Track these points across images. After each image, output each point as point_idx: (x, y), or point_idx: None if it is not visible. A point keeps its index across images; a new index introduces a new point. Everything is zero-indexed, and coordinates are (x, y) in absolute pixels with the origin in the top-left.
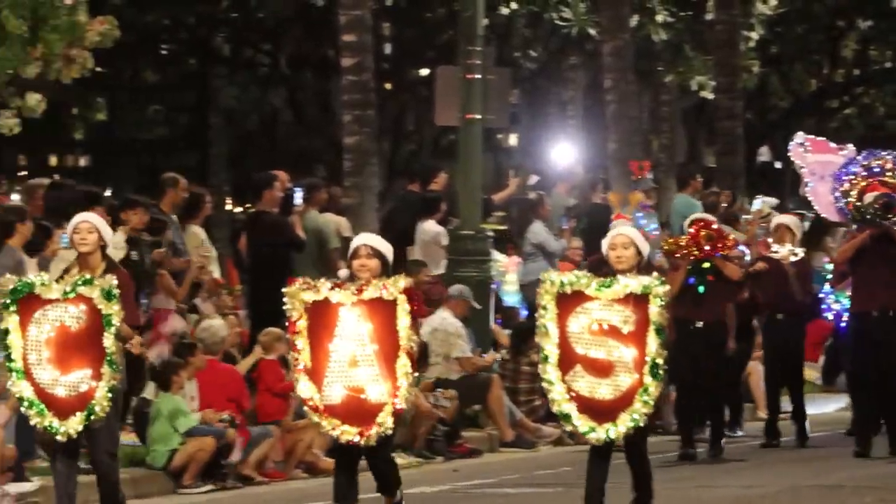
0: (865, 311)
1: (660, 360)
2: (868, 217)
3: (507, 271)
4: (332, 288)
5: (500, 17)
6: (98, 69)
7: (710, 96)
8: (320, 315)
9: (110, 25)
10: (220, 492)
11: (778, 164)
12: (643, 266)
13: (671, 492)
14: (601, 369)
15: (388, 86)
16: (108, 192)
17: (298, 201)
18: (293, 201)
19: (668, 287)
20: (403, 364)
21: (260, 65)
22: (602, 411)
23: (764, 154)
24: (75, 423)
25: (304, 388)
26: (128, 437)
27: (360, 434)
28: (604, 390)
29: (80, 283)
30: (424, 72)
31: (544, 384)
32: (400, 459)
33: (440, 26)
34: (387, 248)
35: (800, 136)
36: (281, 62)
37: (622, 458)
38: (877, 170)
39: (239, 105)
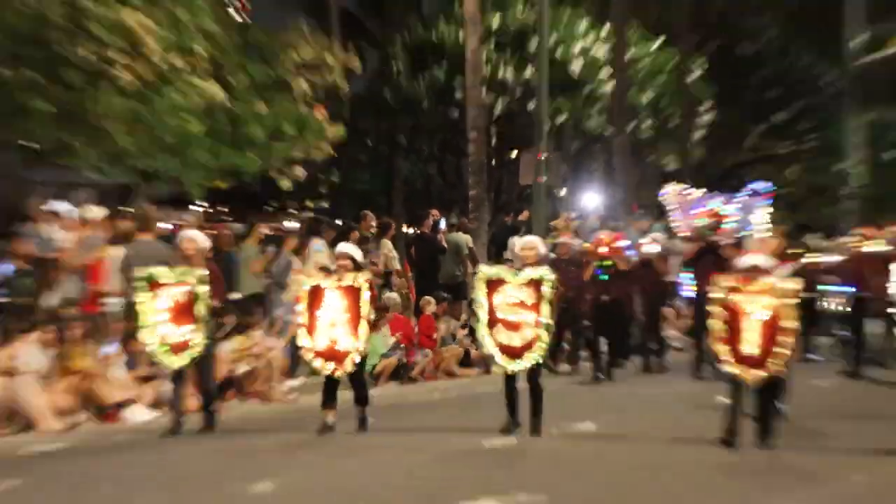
0: (703, 292)
1: (550, 322)
2: (704, 234)
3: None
4: (323, 277)
5: (556, 124)
6: (333, 154)
7: (674, 167)
8: (315, 294)
9: (340, 129)
10: (400, 385)
11: None
12: (543, 259)
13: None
14: (513, 327)
15: (493, 162)
16: (338, 222)
17: (443, 226)
18: (439, 226)
19: (556, 275)
20: (363, 327)
21: (421, 150)
22: (514, 353)
23: None
24: (183, 359)
25: (304, 339)
26: None
27: (335, 370)
28: (515, 340)
29: (184, 273)
30: (514, 154)
31: (478, 336)
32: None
33: (524, 128)
34: (357, 253)
35: (668, 187)
36: (434, 149)
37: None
38: (714, 205)
39: (410, 174)
